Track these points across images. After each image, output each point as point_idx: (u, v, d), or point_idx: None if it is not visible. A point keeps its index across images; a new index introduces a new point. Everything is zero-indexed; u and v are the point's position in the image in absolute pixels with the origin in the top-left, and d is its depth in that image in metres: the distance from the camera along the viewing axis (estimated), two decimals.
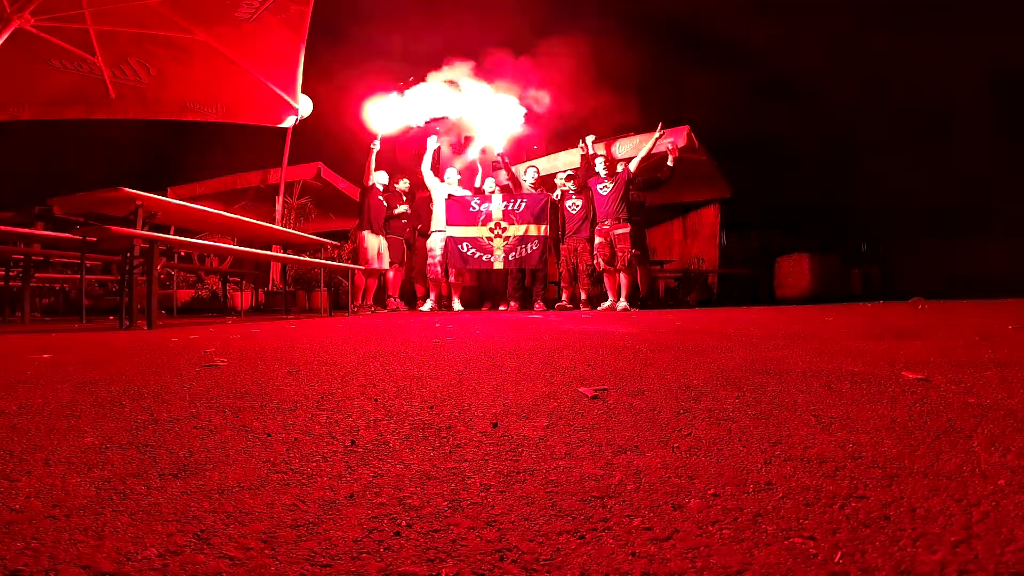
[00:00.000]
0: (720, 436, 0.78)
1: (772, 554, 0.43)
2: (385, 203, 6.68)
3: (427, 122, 7.07)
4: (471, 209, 6.63)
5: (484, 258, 6.56)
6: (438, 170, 7.04)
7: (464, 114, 7.12)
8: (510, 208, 6.53)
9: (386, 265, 6.62)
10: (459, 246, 6.58)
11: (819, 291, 8.18)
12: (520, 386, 1.21)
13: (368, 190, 6.46)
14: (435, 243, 6.71)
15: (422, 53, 7.22)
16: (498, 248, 6.51)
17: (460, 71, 7.01)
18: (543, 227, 6.48)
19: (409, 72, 7.01)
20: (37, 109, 6.65)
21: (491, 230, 6.55)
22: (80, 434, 0.82)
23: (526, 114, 7.05)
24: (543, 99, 7.25)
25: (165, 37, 6.20)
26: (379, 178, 6.55)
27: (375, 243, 6.47)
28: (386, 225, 6.82)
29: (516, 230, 6.50)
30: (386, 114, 6.71)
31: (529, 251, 6.47)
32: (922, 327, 2.72)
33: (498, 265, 6.53)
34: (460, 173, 7.09)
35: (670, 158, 6.00)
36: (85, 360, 1.70)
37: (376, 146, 6.40)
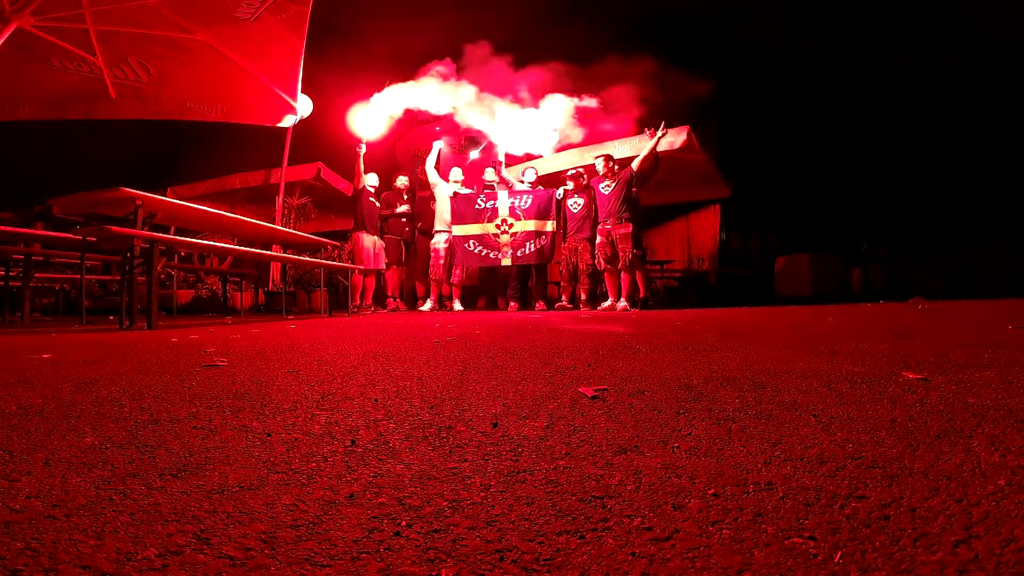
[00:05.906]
0: (720, 436, 0.78)
1: (772, 554, 0.43)
2: (377, 204, 6.74)
3: (428, 121, 7.09)
4: (476, 207, 6.62)
5: (491, 255, 6.54)
6: (440, 170, 7.05)
7: (471, 116, 7.12)
8: (516, 205, 6.52)
9: (383, 265, 6.65)
10: (465, 244, 6.57)
11: (819, 291, 8.18)
12: (520, 386, 1.21)
13: (360, 192, 6.54)
14: (439, 243, 6.72)
15: (421, 53, 7.22)
16: (505, 245, 6.50)
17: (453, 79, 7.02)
18: (549, 223, 6.44)
19: (406, 74, 7.02)
20: (37, 109, 6.66)
21: (497, 227, 6.53)
22: (80, 434, 0.82)
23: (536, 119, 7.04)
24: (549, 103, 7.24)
25: (165, 37, 6.21)
26: (369, 180, 6.62)
27: (370, 243, 6.54)
28: (385, 225, 6.83)
29: (522, 226, 6.48)
30: (370, 119, 6.79)
31: (536, 248, 6.43)
32: (922, 327, 2.72)
33: (506, 262, 6.50)
34: (464, 172, 7.11)
35: (648, 146, 5.99)
36: (85, 360, 1.70)
37: (362, 149, 6.49)
